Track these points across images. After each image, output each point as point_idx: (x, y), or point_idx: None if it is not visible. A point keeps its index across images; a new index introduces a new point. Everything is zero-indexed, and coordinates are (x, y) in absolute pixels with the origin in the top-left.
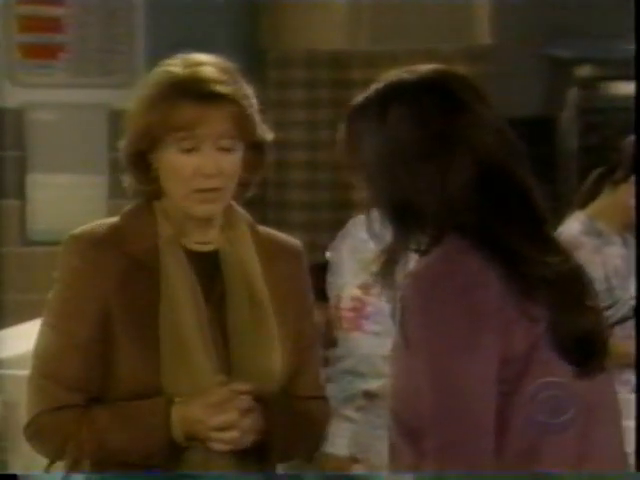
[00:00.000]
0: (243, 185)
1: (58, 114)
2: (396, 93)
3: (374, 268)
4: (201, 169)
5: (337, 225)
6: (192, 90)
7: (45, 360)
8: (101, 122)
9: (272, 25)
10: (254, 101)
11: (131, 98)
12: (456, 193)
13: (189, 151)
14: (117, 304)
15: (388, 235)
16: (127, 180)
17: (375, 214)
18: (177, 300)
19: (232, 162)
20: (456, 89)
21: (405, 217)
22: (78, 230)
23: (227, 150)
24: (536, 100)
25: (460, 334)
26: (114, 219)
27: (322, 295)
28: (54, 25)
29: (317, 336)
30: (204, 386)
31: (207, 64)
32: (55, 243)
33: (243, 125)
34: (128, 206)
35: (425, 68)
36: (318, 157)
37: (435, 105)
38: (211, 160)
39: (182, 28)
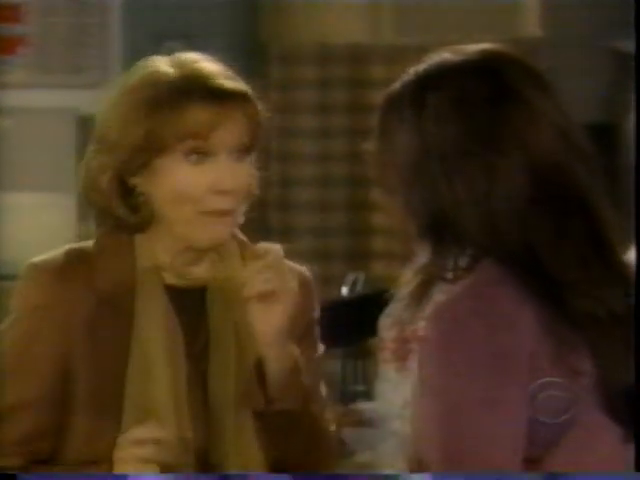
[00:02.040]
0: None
1: (16, 120)
2: (435, 78)
3: (406, 290)
4: (217, 185)
5: (352, 253)
6: (200, 89)
7: None
8: (68, 129)
9: (275, 14)
10: (260, 104)
11: (106, 110)
12: (503, 205)
13: (201, 162)
14: (80, 355)
15: (424, 253)
16: (99, 213)
17: (409, 228)
18: (149, 354)
19: (247, 175)
20: (509, 75)
21: (443, 232)
22: (40, 258)
23: (241, 160)
24: (595, 103)
25: (482, 386)
26: (85, 245)
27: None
28: (12, 14)
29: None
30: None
31: (202, 61)
32: (8, 277)
33: (258, 129)
34: (103, 229)
35: (472, 48)
36: (331, 172)
37: (482, 93)
38: (228, 173)
39: (164, 18)
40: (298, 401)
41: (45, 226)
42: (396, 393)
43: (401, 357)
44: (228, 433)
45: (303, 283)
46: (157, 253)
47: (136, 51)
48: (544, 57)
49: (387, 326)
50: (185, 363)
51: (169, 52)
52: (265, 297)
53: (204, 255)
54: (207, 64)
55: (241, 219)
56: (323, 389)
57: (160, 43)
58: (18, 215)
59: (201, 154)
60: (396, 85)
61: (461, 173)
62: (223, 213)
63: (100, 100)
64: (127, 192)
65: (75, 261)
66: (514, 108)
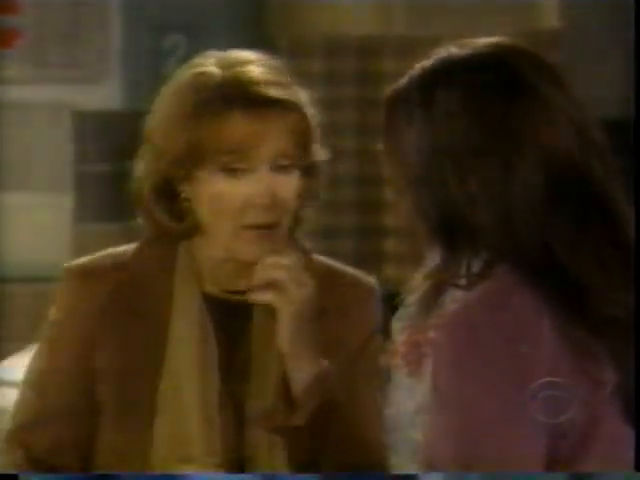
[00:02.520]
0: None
1: (11, 115)
2: (444, 73)
3: (415, 296)
4: (254, 199)
5: (363, 255)
6: (242, 97)
7: (19, 424)
8: (64, 126)
9: (282, 5)
10: (313, 110)
11: (154, 109)
12: (519, 204)
13: (238, 175)
14: (107, 366)
15: (435, 256)
16: (144, 218)
17: (419, 230)
18: (181, 368)
19: (290, 188)
20: (523, 69)
21: (455, 234)
22: (75, 262)
23: (283, 172)
24: (617, 98)
25: (499, 401)
26: (126, 249)
27: None
28: (7, 5)
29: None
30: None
31: (252, 62)
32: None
33: (305, 140)
34: (147, 236)
35: (483, 42)
36: (341, 170)
37: (494, 88)
38: (266, 186)
39: (166, 10)
40: (323, 412)
41: (39, 228)
42: (408, 399)
43: (413, 361)
44: (262, 451)
45: (365, 297)
46: (200, 263)
47: (136, 45)
48: (563, 49)
49: (398, 330)
50: (219, 378)
51: (172, 46)
52: (270, 294)
53: (251, 268)
54: (253, 68)
55: (299, 227)
56: (380, 400)
57: (162, 36)
58: (11, 216)
59: (239, 168)
60: (402, 81)
61: (475, 172)
62: (262, 227)
63: (98, 95)
64: (173, 197)
65: (108, 267)
66: (529, 103)
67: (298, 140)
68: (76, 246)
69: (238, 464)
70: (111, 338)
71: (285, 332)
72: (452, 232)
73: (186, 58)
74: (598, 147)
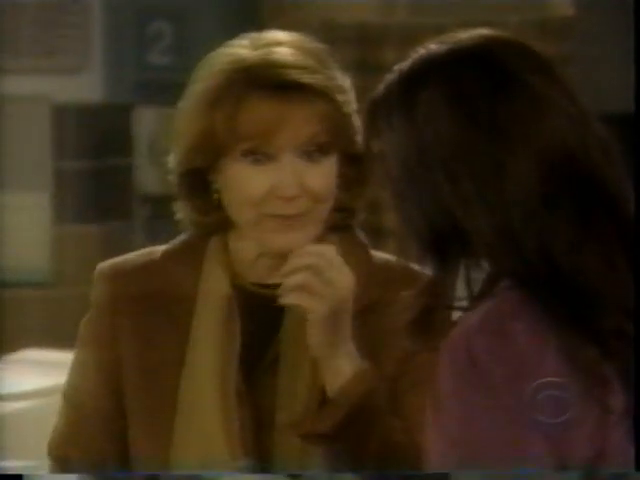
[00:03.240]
0: (341, 211)
1: None
2: (427, 73)
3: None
4: (279, 188)
5: None
6: (265, 80)
7: (60, 435)
8: (43, 120)
9: None
10: (352, 96)
11: (185, 94)
12: (516, 211)
13: (262, 162)
14: (130, 365)
15: (427, 273)
16: (181, 210)
17: (410, 245)
18: (200, 369)
19: (321, 177)
20: (509, 61)
21: (448, 248)
22: (107, 261)
23: (314, 161)
24: (633, 90)
25: (502, 439)
26: (158, 248)
27: None
28: None
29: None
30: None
31: (285, 43)
32: None
33: (337, 128)
34: (181, 236)
35: (467, 35)
36: None
37: (479, 84)
38: (291, 175)
39: None
40: (360, 418)
41: (15, 229)
42: None
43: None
44: (293, 452)
45: None
46: (234, 256)
47: (118, 32)
48: (576, 39)
49: None
50: (241, 378)
51: (156, 33)
52: (296, 296)
53: (285, 260)
54: (283, 49)
55: (350, 221)
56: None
57: (146, 23)
58: None
59: (261, 154)
60: (379, 88)
61: (466, 176)
62: (289, 218)
63: (79, 87)
64: (205, 189)
65: (138, 267)
66: (518, 97)
67: (330, 127)
68: (55, 249)
69: (260, 464)
70: (133, 339)
71: (315, 335)
72: (445, 245)
73: (172, 46)
74: (600, 141)
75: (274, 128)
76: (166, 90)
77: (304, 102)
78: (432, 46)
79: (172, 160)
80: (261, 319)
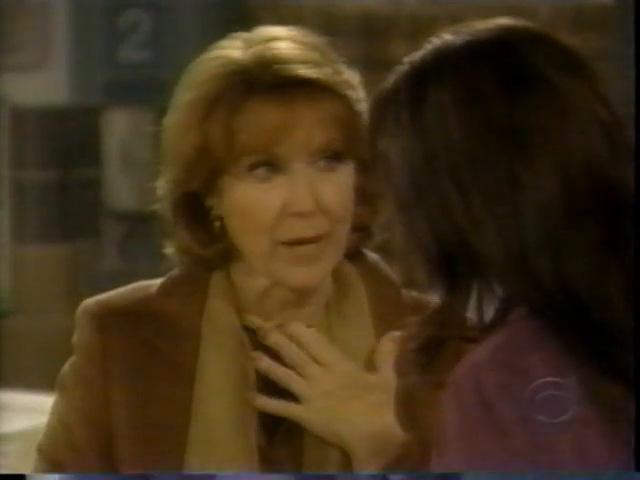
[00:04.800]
0: (355, 230)
1: None
2: (437, 68)
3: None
4: (292, 204)
5: None
6: (265, 80)
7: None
8: None
9: None
10: (363, 94)
11: (171, 106)
12: (532, 233)
13: (269, 178)
14: (123, 416)
15: (434, 297)
16: (175, 242)
17: (415, 264)
18: (212, 410)
19: (339, 189)
20: (532, 56)
21: (459, 270)
22: (93, 298)
23: (329, 169)
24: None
25: None
26: (152, 283)
27: None
28: None
29: None
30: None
31: (283, 38)
32: None
33: (352, 129)
34: (177, 270)
35: (484, 25)
36: None
37: (497, 82)
38: (306, 187)
39: None
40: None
41: None
42: None
43: None
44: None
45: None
46: (241, 292)
47: (86, 23)
48: (614, 29)
49: None
50: (259, 425)
51: (130, 25)
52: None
53: (307, 296)
54: (280, 44)
55: (367, 243)
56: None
57: (119, 14)
58: None
59: (269, 166)
60: (388, 81)
61: (476, 189)
62: (306, 243)
63: (40, 86)
64: (202, 217)
65: (129, 305)
66: (539, 100)
67: (344, 129)
68: (14, 273)
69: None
70: (127, 386)
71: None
72: (455, 266)
73: (148, 40)
74: (631, 151)
75: (280, 135)
76: (141, 90)
77: (312, 102)
78: (447, 36)
79: (162, 185)
80: (273, 354)
